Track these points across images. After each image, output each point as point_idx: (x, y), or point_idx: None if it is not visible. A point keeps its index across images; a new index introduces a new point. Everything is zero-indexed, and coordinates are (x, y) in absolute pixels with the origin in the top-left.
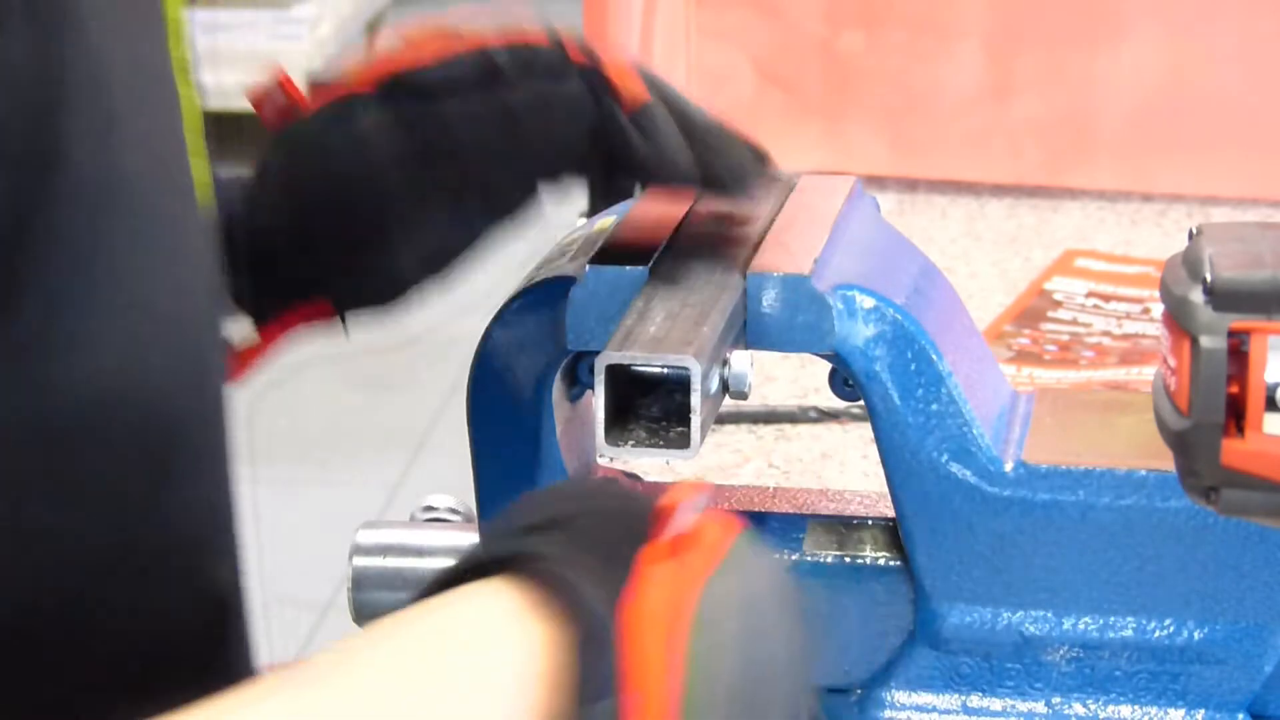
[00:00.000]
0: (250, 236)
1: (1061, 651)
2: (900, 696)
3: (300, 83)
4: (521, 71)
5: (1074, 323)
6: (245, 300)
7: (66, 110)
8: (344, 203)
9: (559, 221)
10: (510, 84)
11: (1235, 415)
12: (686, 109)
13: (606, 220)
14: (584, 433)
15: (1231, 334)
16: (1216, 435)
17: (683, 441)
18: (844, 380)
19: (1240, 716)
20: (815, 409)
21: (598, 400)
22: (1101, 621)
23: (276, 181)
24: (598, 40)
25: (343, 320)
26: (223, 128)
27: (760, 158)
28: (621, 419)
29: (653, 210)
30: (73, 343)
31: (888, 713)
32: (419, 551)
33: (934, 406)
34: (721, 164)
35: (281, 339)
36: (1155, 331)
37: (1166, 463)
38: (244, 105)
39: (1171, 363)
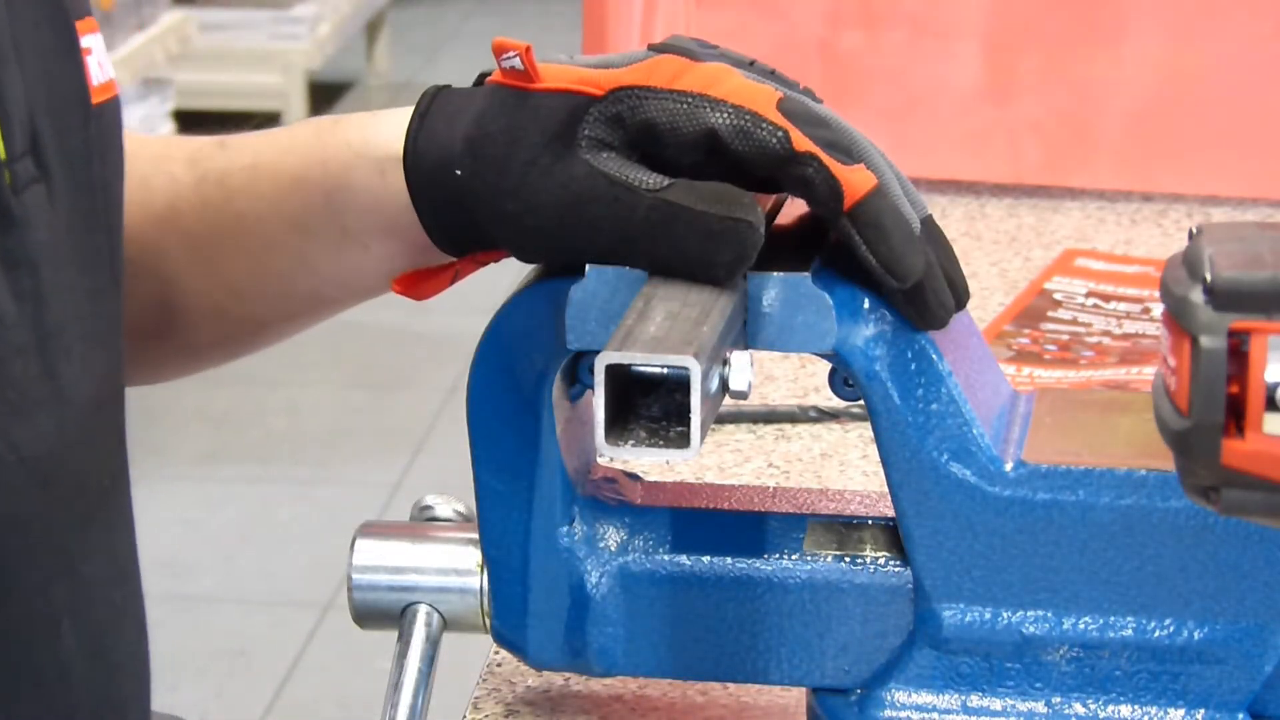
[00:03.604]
0: (452, 190)
1: (1061, 651)
2: (900, 696)
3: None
4: (740, 143)
5: (1074, 323)
6: (438, 239)
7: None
8: (562, 214)
9: None
10: (724, 152)
11: (1235, 415)
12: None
13: None
14: (584, 433)
15: (1231, 334)
16: (1216, 435)
17: (683, 441)
18: (844, 380)
19: (1240, 716)
20: (815, 409)
21: (597, 400)
22: (1101, 621)
23: (496, 141)
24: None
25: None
26: (224, 127)
27: (962, 289)
28: (621, 419)
29: None
30: None
31: (888, 713)
32: (418, 551)
33: (934, 406)
34: (938, 286)
35: (468, 269)
36: (1155, 331)
37: (1166, 463)
38: (242, 104)
39: (1171, 363)
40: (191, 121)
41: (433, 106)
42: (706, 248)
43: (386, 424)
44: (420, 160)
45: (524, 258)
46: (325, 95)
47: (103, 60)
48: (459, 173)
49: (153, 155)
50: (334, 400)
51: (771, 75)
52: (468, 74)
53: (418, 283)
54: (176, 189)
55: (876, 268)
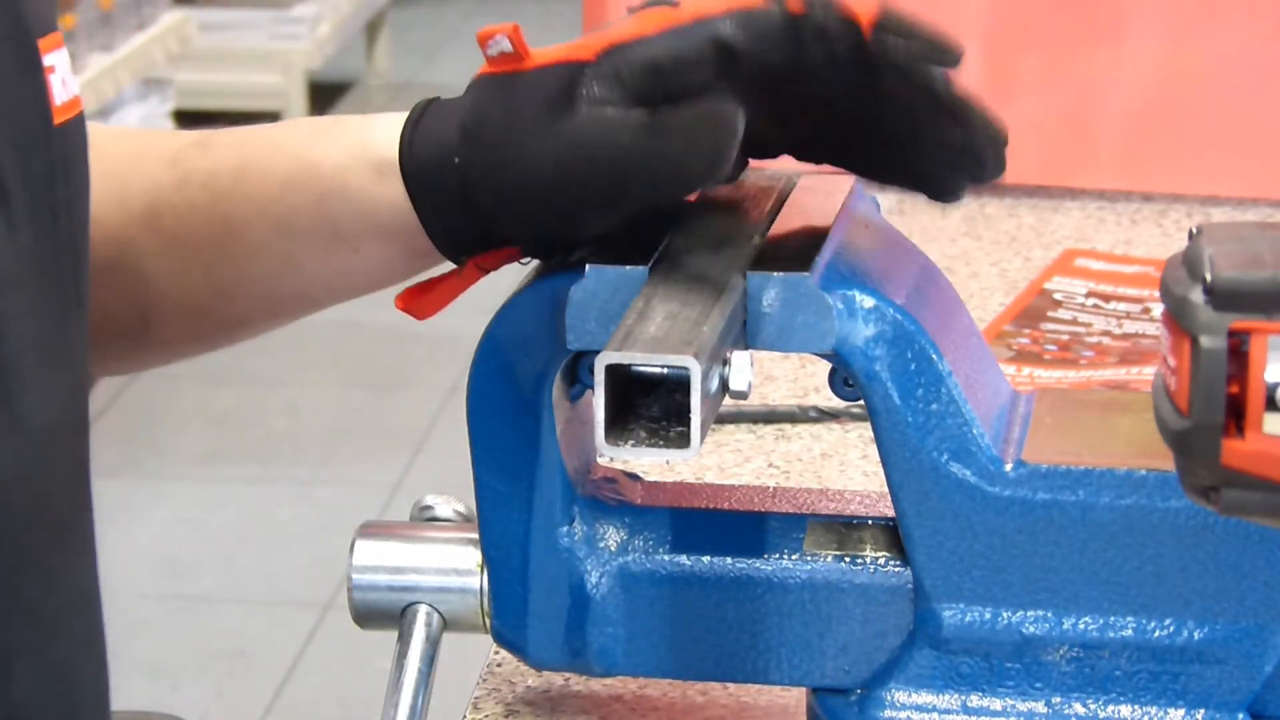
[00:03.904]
0: (451, 182)
1: (1061, 651)
2: (900, 696)
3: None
4: (745, 37)
5: (1074, 323)
6: (439, 240)
7: None
8: (561, 165)
9: None
10: (740, 57)
11: (1235, 415)
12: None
13: None
14: (584, 432)
15: (1231, 334)
16: (1216, 435)
17: (683, 441)
18: (844, 380)
19: (1240, 716)
20: (815, 409)
21: (597, 400)
22: (1101, 621)
23: (493, 122)
24: None
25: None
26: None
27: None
28: (621, 419)
29: (651, 209)
30: None
31: (888, 713)
32: (418, 551)
33: (934, 406)
34: (989, 132)
35: (472, 277)
36: (1155, 331)
37: (1166, 463)
38: (242, 104)
39: (1171, 363)
40: (191, 121)
41: (426, 111)
42: (693, 158)
43: (386, 424)
44: (418, 157)
45: (526, 237)
46: (325, 95)
47: (67, 78)
48: (457, 161)
49: (130, 153)
50: (334, 400)
51: None
52: (468, 74)
53: (420, 296)
54: (157, 189)
55: (917, 76)
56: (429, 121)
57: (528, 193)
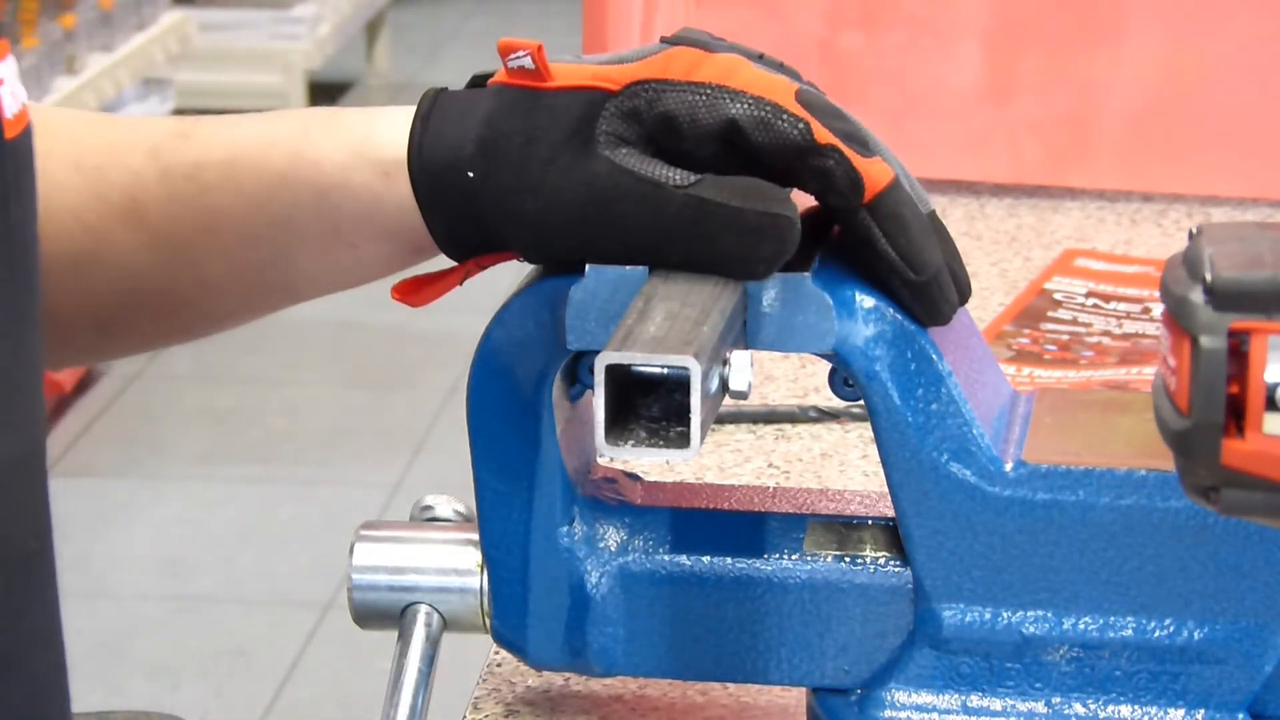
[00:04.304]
0: (463, 192)
1: (1061, 651)
2: (900, 696)
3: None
4: (760, 134)
5: (1074, 323)
6: (444, 243)
7: None
8: (585, 210)
9: None
10: (743, 145)
11: (1235, 415)
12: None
13: None
14: (584, 433)
15: (1231, 334)
16: (1216, 435)
17: (683, 441)
18: (844, 380)
19: (1240, 716)
20: (815, 409)
21: (597, 400)
22: (1101, 621)
23: (511, 141)
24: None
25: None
26: None
27: (965, 284)
28: (621, 419)
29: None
30: None
31: (888, 713)
32: (418, 551)
33: (934, 406)
34: (945, 281)
35: (472, 273)
36: (1155, 331)
37: (1166, 463)
38: (242, 104)
39: (1171, 363)
40: None
41: (434, 109)
42: (745, 243)
43: (386, 424)
44: (428, 164)
45: (537, 258)
46: (325, 95)
47: (15, 88)
48: (471, 175)
49: (106, 143)
50: (334, 400)
51: (780, 68)
52: (468, 74)
53: (418, 289)
54: (138, 182)
55: (896, 261)
56: (439, 124)
57: (551, 226)
